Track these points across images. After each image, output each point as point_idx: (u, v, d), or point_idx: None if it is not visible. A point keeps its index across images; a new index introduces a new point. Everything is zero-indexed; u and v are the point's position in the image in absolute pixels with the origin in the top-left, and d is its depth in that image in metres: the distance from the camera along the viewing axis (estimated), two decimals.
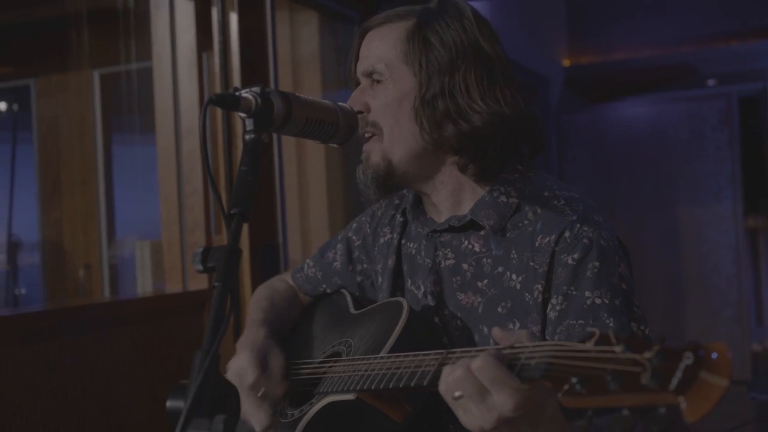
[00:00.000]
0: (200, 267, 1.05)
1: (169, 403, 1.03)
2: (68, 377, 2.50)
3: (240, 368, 1.44)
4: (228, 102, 1.10)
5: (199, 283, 3.05)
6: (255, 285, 2.96)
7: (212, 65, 3.09)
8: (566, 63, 7.52)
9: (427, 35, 1.40)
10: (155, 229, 3.94)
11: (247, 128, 1.13)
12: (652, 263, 6.63)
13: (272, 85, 3.17)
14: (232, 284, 1.02)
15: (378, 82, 1.44)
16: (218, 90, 2.99)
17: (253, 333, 1.55)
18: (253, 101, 1.13)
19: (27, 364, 2.38)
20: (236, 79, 2.98)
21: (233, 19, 3.00)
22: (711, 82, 7.81)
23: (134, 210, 4.39)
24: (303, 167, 3.68)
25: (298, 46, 3.73)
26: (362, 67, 1.47)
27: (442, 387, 1.05)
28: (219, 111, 2.99)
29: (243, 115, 1.13)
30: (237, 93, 1.12)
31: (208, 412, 0.95)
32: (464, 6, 1.44)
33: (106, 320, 2.68)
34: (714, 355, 0.83)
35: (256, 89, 1.14)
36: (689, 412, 0.82)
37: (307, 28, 3.75)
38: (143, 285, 3.12)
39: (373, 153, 1.44)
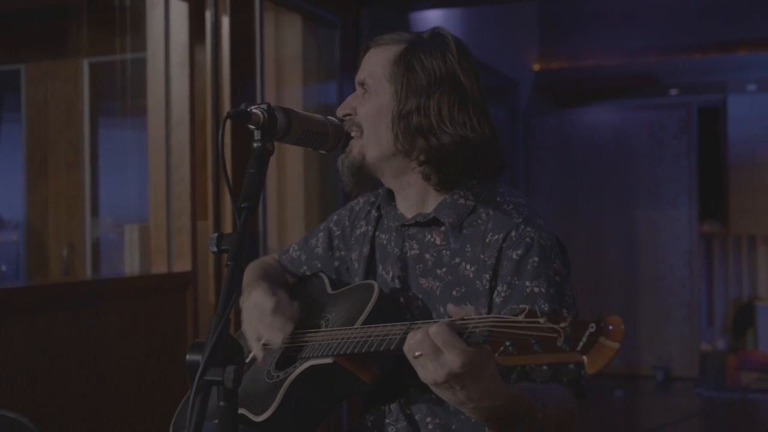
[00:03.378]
0: (215, 249, 1.30)
1: (188, 357, 1.25)
2: (63, 347, 2.72)
3: (257, 300, 1.70)
4: (242, 117, 1.34)
5: (183, 265, 3.28)
6: None
7: (203, 62, 3.33)
8: (536, 67, 7.76)
9: (411, 60, 1.64)
10: (137, 212, 4.17)
11: (255, 138, 1.38)
12: (609, 263, 6.89)
13: (258, 82, 3.42)
14: (241, 264, 1.26)
15: (366, 92, 1.69)
16: (208, 85, 3.24)
17: (254, 288, 1.78)
18: (261, 116, 1.38)
19: (27, 333, 2.60)
20: (225, 76, 3.23)
21: (225, 21, 3.23)
22: (673, 92, 8.11)
23: (117, 193, 4.61)
24: (282, 162, 3.94)
25: (281, 46, 3.97)
26: (358, 77, 1.72)
27: (406, 348, 1.31)
28: (209, 106, 3.22)
29: (252, 126, 1.38)
30: (249, 109, 1.37)
31: (221, 364, 1.19)
32: (450, 40, 1.68)
33: (98, 296, 2.91)
34: (611, 327, 1.10)
35: (264, 106, 1.39)
36: (589, 366, 1.09)
37: (291, 30, 4.00)
38: (131, 265, 3.35)
39: (354, 148, 1.69)
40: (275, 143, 1.42)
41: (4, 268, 5.12)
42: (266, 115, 1.38)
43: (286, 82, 4.00)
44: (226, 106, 3.22)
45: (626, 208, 6.90)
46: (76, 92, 4.56)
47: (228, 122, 1.35)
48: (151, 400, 3.05)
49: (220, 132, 1.31)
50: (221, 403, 1.23)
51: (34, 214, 4.74)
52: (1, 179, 4.97)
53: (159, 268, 3.32)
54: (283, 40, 3.96)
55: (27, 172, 4.73)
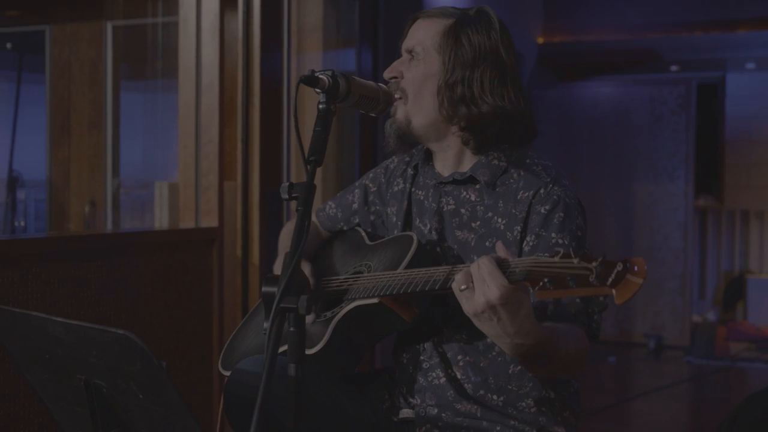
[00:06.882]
0: (286, 196, 1.49)
1: (264, 289, 1.44)
2: (104, 294, 2.91)
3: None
4: (311, 81, 1.53)
5: (210, 221, 3.46)
6: (262, 224, 3.43)
7: (230, 28, 3.49)
8: (540, 41, 7.87)
9: (459, 35, 1.81)
10: (159, 171, 4.35)
11: (321, 100, 1.57)
12: (607, 233, 7.02)
13: (285, 48, 3.60)
14: (309, 210, 1.45)
15: (414, 59, 1.86)
16: (240, 52, 3.41)
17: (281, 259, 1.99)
18: (327, 81, 1.57)
19: (73, 280, 2.78)
20: (256, 43, 3.40)
21: None
22: (673, 68, 8.24)
23: (139, 153, 4.79)
24: (303, 130, 4.11)
25: (303, 15, 4.14)
26: (406, 44, 1.88)
27: (454, 283, 1.50)
28: (240, 71, 3.40)
29: (318, 90, 1.57)
30: (316, 74, 1.56)
31: (294, 293, 1.38)
32: (495, 19, 1.85)
33: (133, 247, 3.09)
34: (636, 267, 1.29)
35: (329, 72, 1.58)
36: (618, 298, 1.29)
37: (313, 0, 4.16)
38: (160, 220, 3.53)
39: (399, 112, 1.86)
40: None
41: (22, 223, 5.31)
42: (330, 80, 1.57)
43: (306, 49, 4.16)
44: (256, 72, 3.39)
45: (625, 181, 7.04)
46: (100, 54, 4.72)
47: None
48: (179, 344, 3.26)
49: (294, 95, 1.50)
50: (291, 329, 1.42)
51: (57, 172, 4.91)
52: (25, 138, 5.13)
53: (187, 223, 3.50)
54: (305, 9, 4.12)
55: (50, 132, 4.90)
